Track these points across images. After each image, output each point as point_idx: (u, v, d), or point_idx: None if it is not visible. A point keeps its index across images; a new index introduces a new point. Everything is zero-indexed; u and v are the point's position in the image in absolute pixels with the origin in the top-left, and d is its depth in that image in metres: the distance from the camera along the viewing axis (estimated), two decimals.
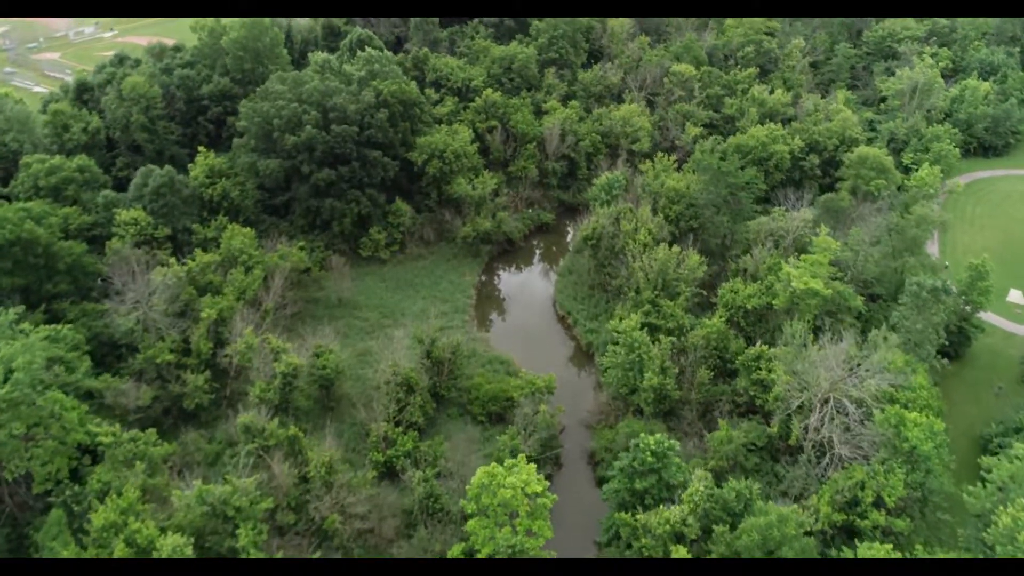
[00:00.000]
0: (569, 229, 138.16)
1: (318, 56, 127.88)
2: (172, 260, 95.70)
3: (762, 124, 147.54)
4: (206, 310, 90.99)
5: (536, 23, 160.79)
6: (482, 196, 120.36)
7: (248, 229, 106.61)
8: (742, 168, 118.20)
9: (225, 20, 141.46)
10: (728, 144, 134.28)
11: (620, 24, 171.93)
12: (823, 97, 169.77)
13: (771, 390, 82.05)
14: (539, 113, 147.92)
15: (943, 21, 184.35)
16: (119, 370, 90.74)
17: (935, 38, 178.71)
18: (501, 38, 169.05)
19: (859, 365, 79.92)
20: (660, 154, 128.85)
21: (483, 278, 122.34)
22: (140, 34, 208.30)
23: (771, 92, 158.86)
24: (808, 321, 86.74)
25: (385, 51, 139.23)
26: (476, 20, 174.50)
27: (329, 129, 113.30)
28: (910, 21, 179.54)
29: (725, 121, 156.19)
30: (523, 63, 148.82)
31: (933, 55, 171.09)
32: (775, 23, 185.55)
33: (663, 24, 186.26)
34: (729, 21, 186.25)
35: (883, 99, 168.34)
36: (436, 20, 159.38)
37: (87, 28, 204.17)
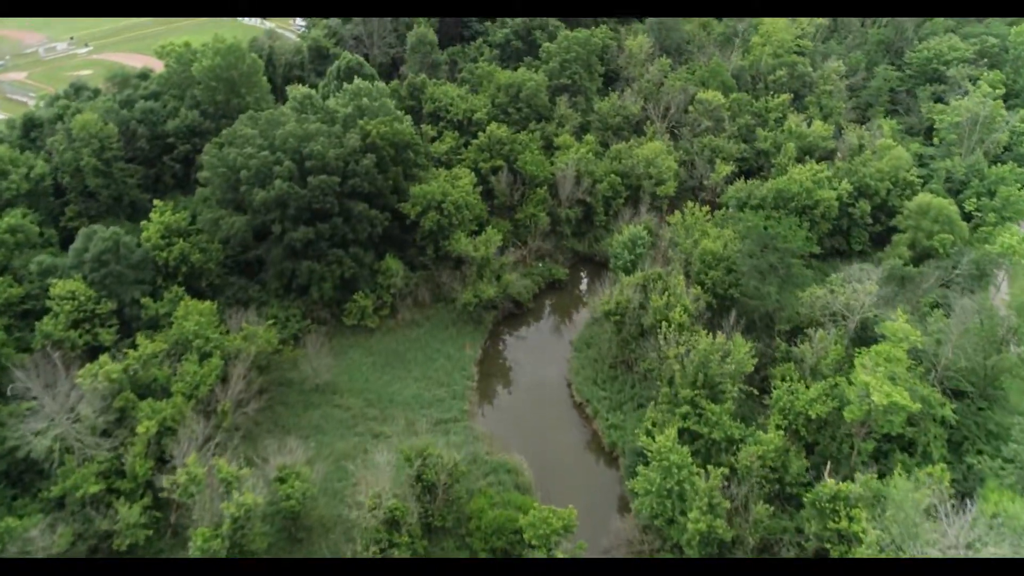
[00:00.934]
0: (583, 277, 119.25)
1: (297, 91, 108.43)
2: (105, 357, 76.52)
3: (801, 162, 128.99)
4: (144, 422, 72.28)
5: (547, 45, 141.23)
6: (485, 257, 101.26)
7: (208, 304, 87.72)
8: (791, 226, 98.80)
9: (196, 44, 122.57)
10: (767, 189, 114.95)
11: (638, 45, 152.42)
12: (862, 124, 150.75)
13: (853, 545, 63.18)
14: (550, 147, 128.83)
15: (992, 39, 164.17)
16: (39, 491, 72.51)
17: (985, 60, 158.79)
18: (507, 61, 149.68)
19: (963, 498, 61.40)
20: (690, 204, 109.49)
21: (487, 346, 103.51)
22: (118, 50, 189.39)
23: (808, 123, 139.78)
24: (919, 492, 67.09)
25: (377, 81, 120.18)
26: (480, 40, 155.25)
27: (306, 181, 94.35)
28: (957, 41, 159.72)
29: (758, 155, 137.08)
30: (532, 91, 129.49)
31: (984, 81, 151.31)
32: (807, 42, 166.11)
33: (683, 42, 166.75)
34: (755, 39, 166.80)
35: (931, 128, 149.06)
36: (435, 40, 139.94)
37: (59, 44, 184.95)
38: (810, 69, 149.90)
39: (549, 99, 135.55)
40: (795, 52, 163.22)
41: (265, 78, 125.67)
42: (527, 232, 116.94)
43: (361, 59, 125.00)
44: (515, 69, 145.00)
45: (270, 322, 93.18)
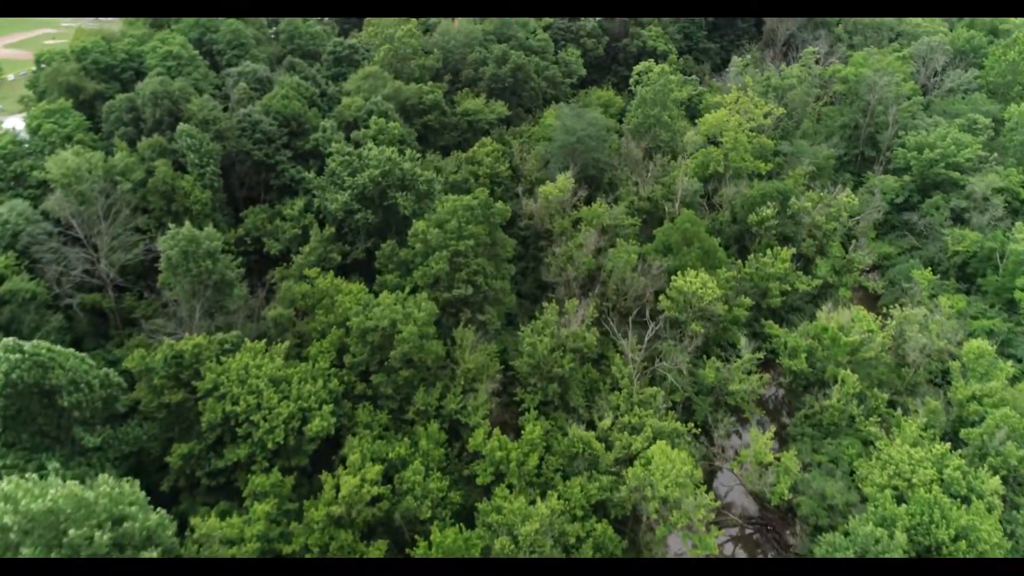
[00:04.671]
0: None
1: None
2: None
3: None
4: None
5: (421, 227, 74.71)
6: None
7: None
8: None
9: None
10: (895, 534, 57.80)
11: (558, 188, 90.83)
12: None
13: None
14: (456, 438, 65.23)
15: (981, 118, 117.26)
16: None
17: (995, 155, 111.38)
18: (351, 239, 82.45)
19: None
20: None
21: None
22: None
23: (831, 294, 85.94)
24: None
25: (70, 478, 50.93)
26: (300, 201, 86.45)
27: None
28: (957, 131, 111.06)
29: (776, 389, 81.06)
30: (414, 344, 64.03)
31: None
32: (765, 139, 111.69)
33: (598, 152, 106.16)
34: (690, 135, 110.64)
35: (964, 267, 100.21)
36: (216, 246, 69.38)
37: None
38: (807, 204, 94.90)
39: (439, 332, 70.97)
40: (752, 153, 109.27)
41: None
42: None
43: (44, 356, 53.63)
44: (371, 261, 79.72)
45: None
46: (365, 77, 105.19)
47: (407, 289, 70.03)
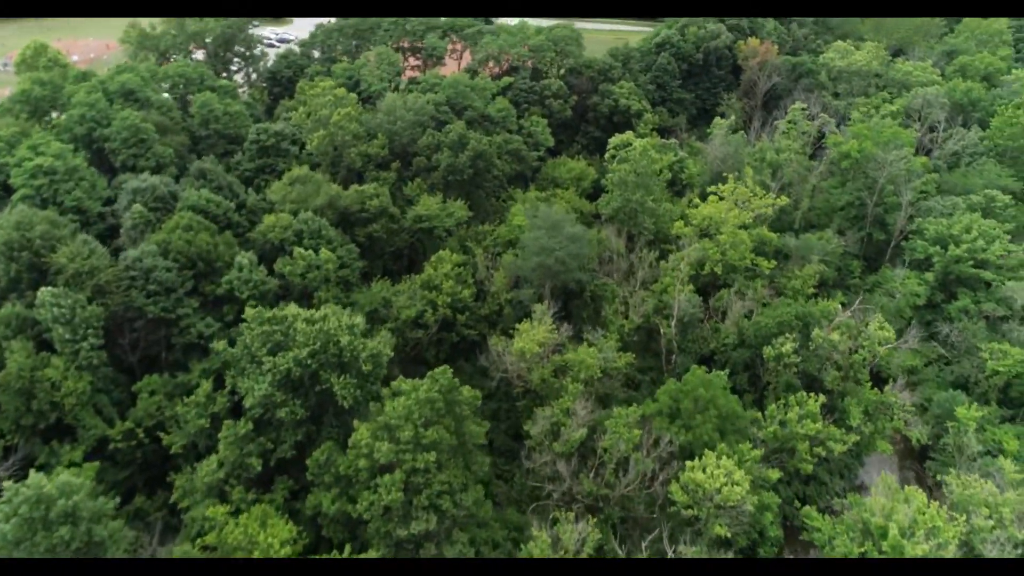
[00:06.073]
0: None
1: None
2: None
3: None
4: None
5: (371, 426, 55.42)
6: None
7: None
8: None
9: None
10: None
11: (537, 340, 72.11)
12: None
13: None
14: None
15: (999, 195, 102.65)
16: None
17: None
18: (272, 420, 62.67)
19: None
20: None
21: None
22: None
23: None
24: None
25: None
26: (200, 367, 65.96)
27: None
28: (979, 218, 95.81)
29: None
30: None
31: None
32: (767, 232, 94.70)
33: (584, 271, 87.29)
34: (678, 225, 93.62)
35: (1006, 390, 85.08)
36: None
37: None
38: (835, 337, 77.91)
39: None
40: (757, 252, 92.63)
41: None
42: None
43: None
44: (302, 459, 60.20)
45: None
46: (293, 182, 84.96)
47: (350, 548, 50.56)
